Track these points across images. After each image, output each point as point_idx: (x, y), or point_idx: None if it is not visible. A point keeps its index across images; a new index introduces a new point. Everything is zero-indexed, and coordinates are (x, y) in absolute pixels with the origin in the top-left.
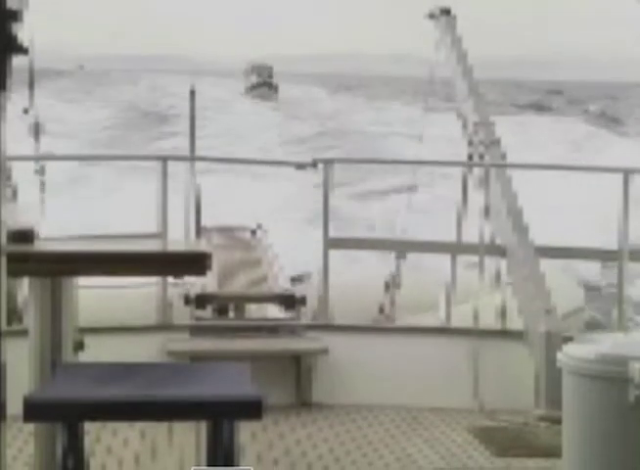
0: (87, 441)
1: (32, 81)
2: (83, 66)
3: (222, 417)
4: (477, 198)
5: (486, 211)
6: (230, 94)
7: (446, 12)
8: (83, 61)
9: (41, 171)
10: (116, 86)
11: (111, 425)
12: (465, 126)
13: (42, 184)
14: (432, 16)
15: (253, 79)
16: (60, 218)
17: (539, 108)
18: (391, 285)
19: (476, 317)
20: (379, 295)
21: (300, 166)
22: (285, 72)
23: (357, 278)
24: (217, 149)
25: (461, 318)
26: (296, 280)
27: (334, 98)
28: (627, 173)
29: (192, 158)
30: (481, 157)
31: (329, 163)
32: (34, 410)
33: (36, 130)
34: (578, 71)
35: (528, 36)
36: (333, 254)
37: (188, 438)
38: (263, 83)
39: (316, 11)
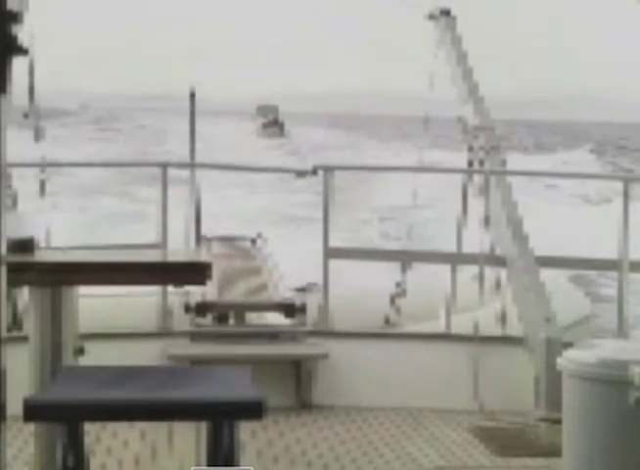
0: (87, 441)
1: (32, 85)
2: (87, 105)
3: (223, 418)
4: (477, 207)
5: (486, 221)
6: (236, 133)
7: (446, 13)
8: (86, 100)
9: (45, 178)
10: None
11: (111, 426)
12: (465, 131)
13: (42, 188)
14: (432, 16)
15: (261, 120)
16: None
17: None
18: (397, 294)
19: (476, 324)
20: (384, 304)
21: (301, 174)
22: (289, 112)
23: (362, 287)
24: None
25: (462, 326)
26: (302, 290)
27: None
28: (627, 181)
29: (192, 164)
30: (482, 163)
31: (329, 170)
32: (34, 411)
33: (37, 135)
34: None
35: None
36: (338, 264)
37: (188, 439)
38: (270, 123)
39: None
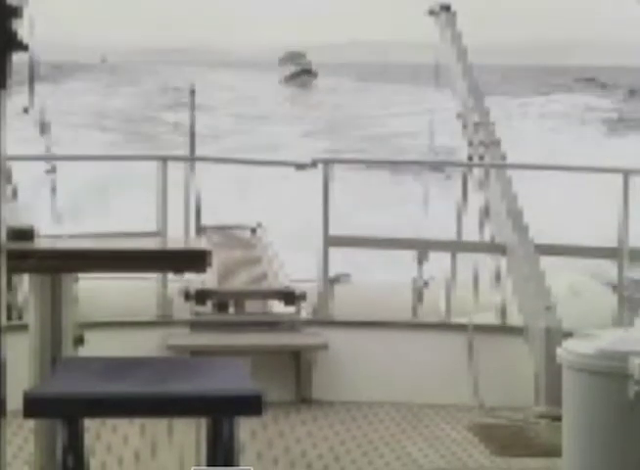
0: (87, 438)
1: (32, 79)
2: (106, 59)
3: (223, 413)
4: (477, 197)
5: (486, 210)
6: (261, 85)
7: (446, 8)
8: (106, 54)
9: (52, 171)
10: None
11: (110, 422)
12: (465, 126)
13: (52, 184)
14: (432, 12)
15: (291, 68)
16: None
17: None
18: (418, 287)
19: (475, 313)
20: (407, 295)
21: (300, 167)
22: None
23: (384, 279)
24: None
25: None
26: (334, 281)
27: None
28: (627, 173)
29: (192, 158)
30: (481, 157)
31: (328, 162)
32: (34, 406)
33: (43, 129)
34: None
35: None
36: (361, 255)
37: (188, 435)
38: (301, 71)
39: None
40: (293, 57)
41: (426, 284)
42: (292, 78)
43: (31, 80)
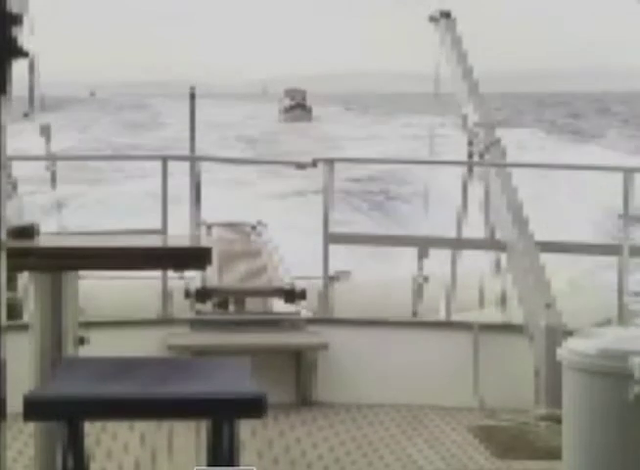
0: (87, 444)
1: (32, 86)
2: (95, 93)
3: (224, 415)
4: (477, 193)
5: (486, 207)
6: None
7: (446, 15)
8: (93, 88)
9: (52, 169)
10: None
11: (111, 428)
12: (465, 127)
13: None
14: (432, 19)
15: (287, 102)
16: None
17: None
18: (418, 284)
19: (476, 311)
20: (406, 294)
21: (301, 166)
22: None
23: (385, 276)
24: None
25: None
26: (334, 278)
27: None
28: (628, 172)
29: (192, 157)
30: (481, 156)
31: (329, 162)
32: (34, 408)
33: (46, 132)
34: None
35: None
36: (362, 253)
37: (188, 441)
38: (297, 106)
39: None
40: (291, 93)
41: (426, 280)
42: (287, 112)
43: (31, 87)
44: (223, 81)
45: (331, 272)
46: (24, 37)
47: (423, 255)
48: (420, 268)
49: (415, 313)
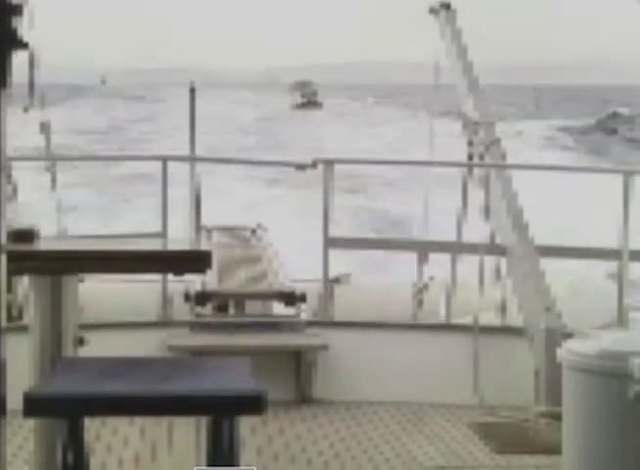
0: (87, 439)
1: (32, 79)
2: (105, 80)
3: (223, 412)
4: (477, 197)
5: (486, 211)
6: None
7: (446, 6)
8: (104, 75)
9: (52, 170)
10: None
11: (111, 424)
12: (465, 126)
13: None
14: (432, 10)
15: (298, 99)
16: None
17: None
18: (419, 288)
19: (476, 314)
20: (407, 297)
21: (300, 167)
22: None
23: (385, 281)
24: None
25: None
26: (334, 281)
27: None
28: (628, 174)
29: (192, 158)
30: (481, 157)
31: (329, 163)
32: (34, 405)
33: (46, 130)
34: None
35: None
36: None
37: (188, 436)
38: (308, 102)
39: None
40: (301, 86)
41: (426, 286)
42: (298, 108)
43: (31, 81)
44: (225, 69)
45: (332, 273)
46: (24, 29)
47: (423, 259)
48: (420, 272)
49: (415, 316)
